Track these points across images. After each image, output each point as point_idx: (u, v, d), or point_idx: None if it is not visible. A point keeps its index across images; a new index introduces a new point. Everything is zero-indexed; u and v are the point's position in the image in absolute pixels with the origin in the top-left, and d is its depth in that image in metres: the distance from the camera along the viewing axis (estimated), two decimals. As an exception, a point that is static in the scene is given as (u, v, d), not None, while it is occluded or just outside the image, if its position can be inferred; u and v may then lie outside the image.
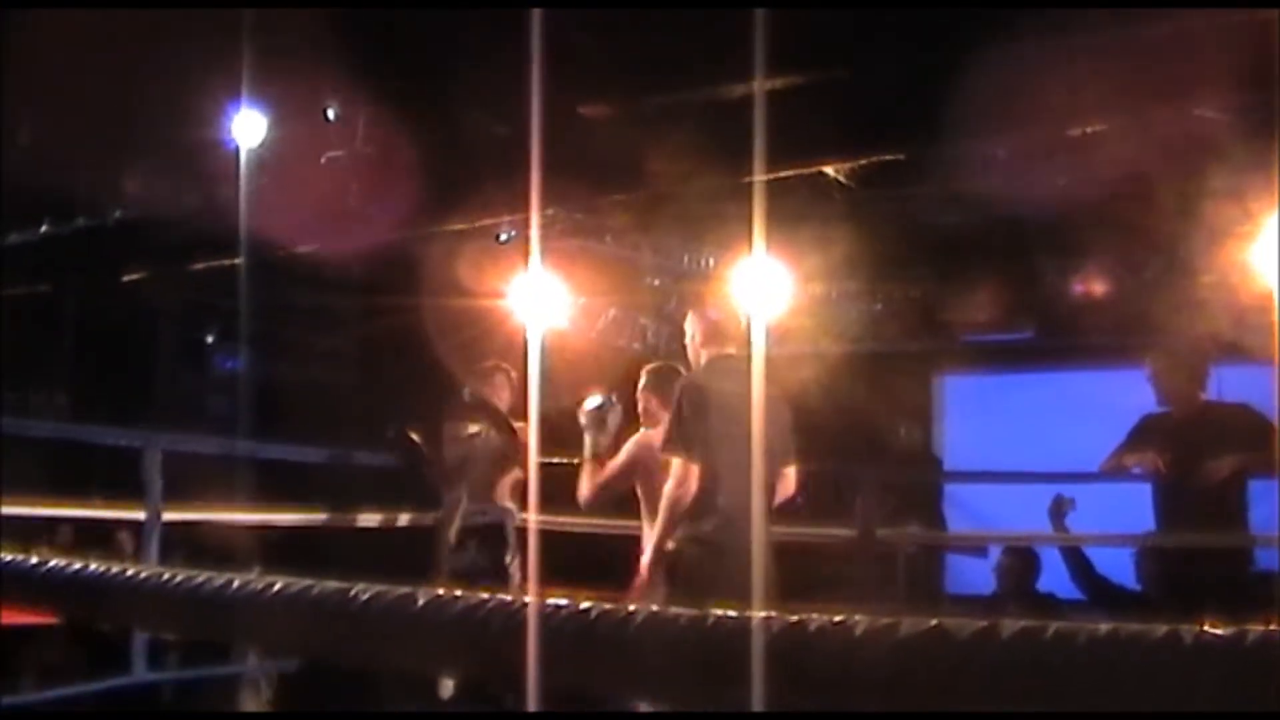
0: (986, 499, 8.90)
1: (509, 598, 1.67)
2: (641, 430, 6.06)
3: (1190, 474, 6.13)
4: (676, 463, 5.28)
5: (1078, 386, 9.33)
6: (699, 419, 5.24)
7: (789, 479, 5.61)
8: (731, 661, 1.64)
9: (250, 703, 7.17)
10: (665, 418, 5.57)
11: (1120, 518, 6.67)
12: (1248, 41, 4.81)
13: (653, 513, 5.52)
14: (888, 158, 6.68)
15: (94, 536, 8.09)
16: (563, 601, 1.68)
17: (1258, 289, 6.53)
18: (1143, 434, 6.55)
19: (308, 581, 1.88)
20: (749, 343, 5.76)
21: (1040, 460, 8.85)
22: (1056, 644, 1.58)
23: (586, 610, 1.68)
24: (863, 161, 6.88)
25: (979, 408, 10.11)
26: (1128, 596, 6.31)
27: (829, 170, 6.85)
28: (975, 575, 7.91)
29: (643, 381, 6.13)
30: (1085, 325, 8.72)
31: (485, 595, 1.69)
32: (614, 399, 6.31)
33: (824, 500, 7.61)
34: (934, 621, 1.62)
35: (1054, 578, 6.79)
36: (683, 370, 5.93)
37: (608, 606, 1.71)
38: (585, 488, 6.10)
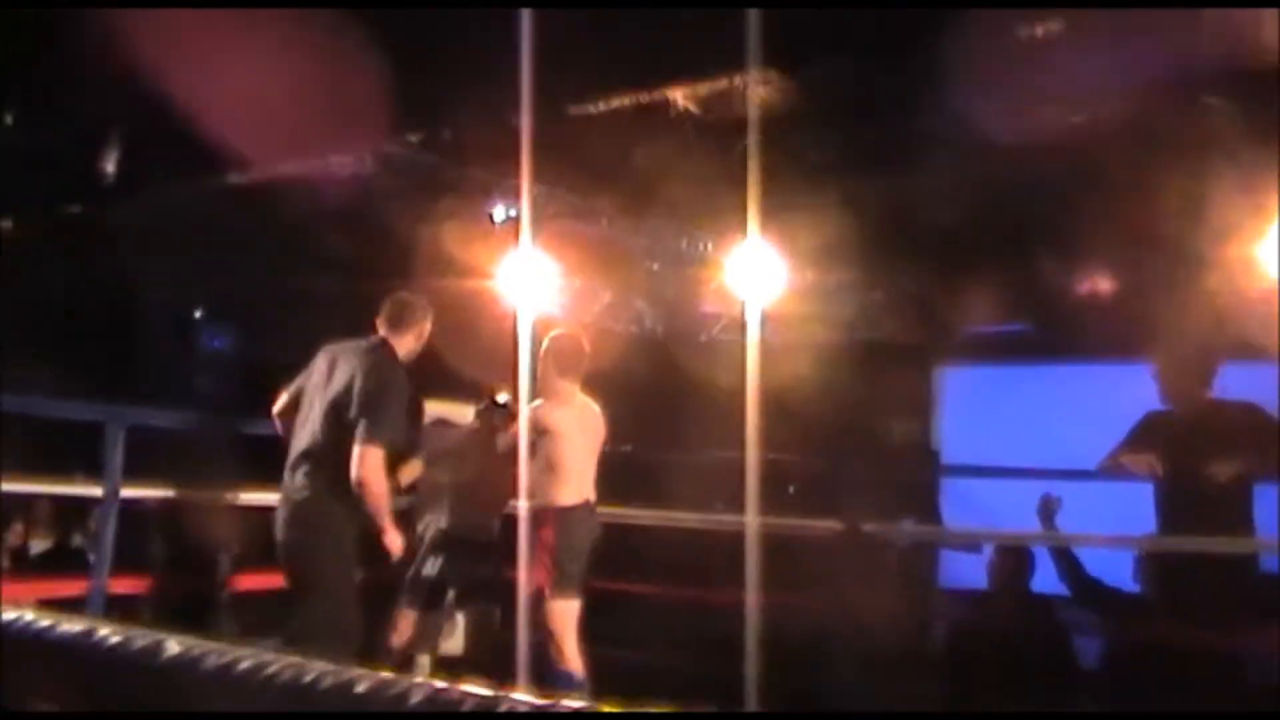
0: (984, 493, 8.76)
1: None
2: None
3: (1193, 475, 5.89)
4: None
5: (1078, 380, 9.17)
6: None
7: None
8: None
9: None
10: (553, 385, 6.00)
11: (1119, 515, 6.48)
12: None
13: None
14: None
15: (75, 512, 7.98)
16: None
17: (1263, 284, 6.37)
18: (1145, 432, 6.29)
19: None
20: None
21: (1040, 454, 8.75)
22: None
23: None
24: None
25: (977, 400, 9.95)
26: (1120, 598, 6.15)
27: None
28: (971, 571, 7.75)
29: (544, 346, 6.13)
30: (1085, 318, 8.52)
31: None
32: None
33: (815, 494, 7.51)
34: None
35: (1049, 576, 6.61)
36: (584, 343, 6.29)
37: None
38: None
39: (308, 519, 5.13)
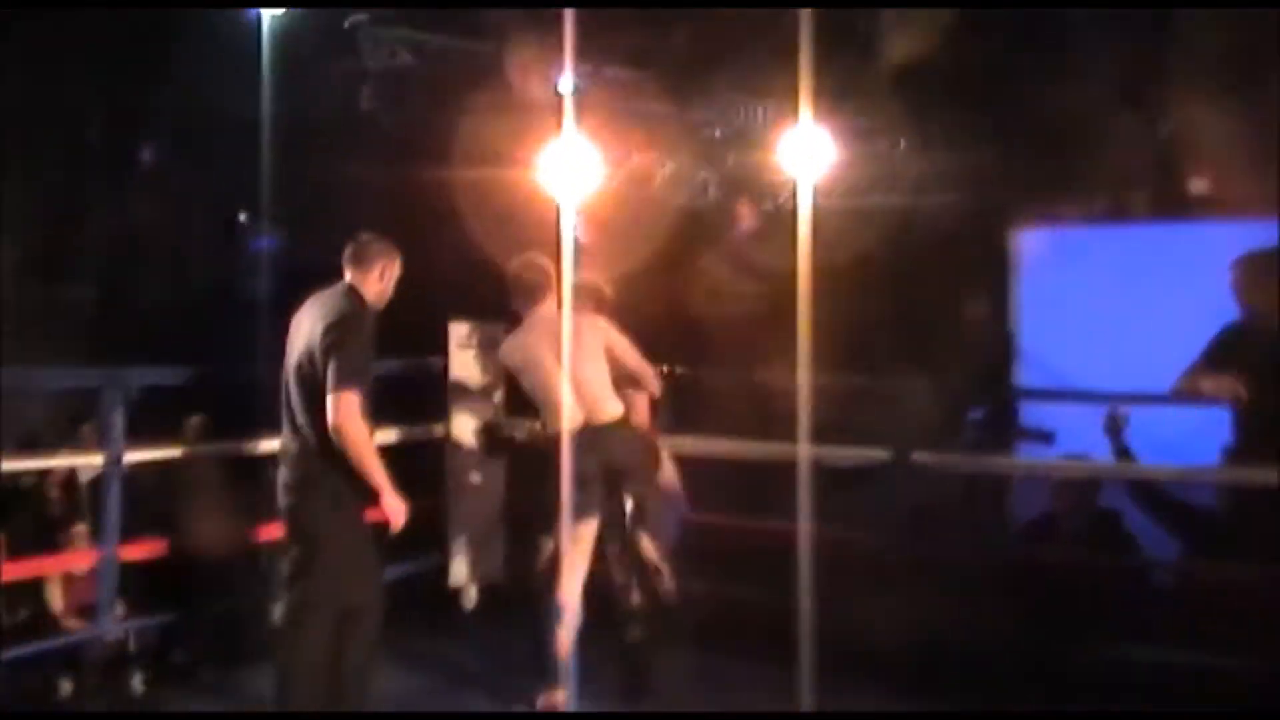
0: (1066, 357, 8.44)
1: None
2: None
3: (1274, 395, 5.40)
4: None
5: (1160, 240, 8.75)
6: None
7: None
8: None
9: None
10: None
11: (1199, 426, 6.04)
12: None
13: None
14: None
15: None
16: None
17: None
18: (1221, 350, 5.80)
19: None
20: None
21: (1123, 318, 8.39)
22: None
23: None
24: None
25: (1057, 263, 9.53)
26: (1199, 516, 5.79)
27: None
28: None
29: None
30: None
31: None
32: None
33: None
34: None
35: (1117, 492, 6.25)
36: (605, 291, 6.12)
37: None
38: None
39: (301, 483, 4.96)
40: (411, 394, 7.17)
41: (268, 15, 6.73)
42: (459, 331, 7.27)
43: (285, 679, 4.92)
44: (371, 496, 4.98)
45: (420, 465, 6.85)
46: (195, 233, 10.69)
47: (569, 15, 6.52)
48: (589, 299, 5.90)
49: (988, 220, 9.30)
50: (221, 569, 7.32)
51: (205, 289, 10.36)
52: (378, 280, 5.16)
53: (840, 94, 7.34)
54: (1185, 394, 5.77)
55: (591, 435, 5.50)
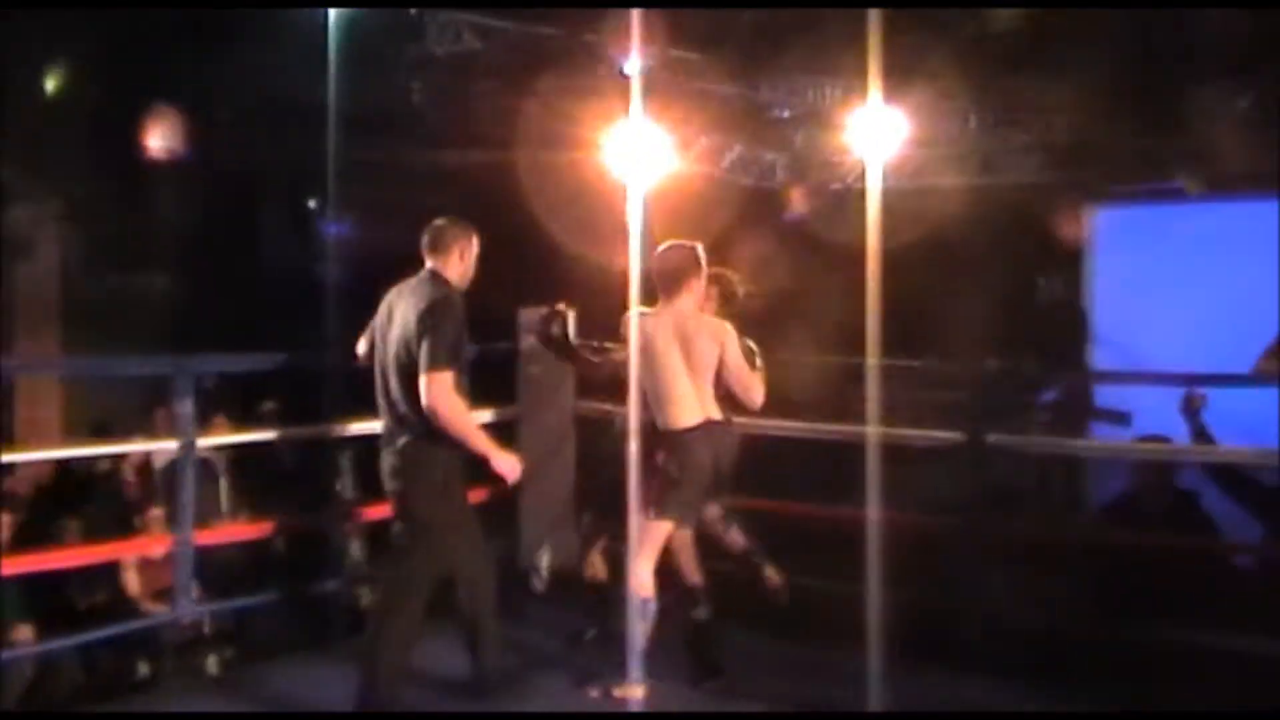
0: (1140, 335, 8.32)
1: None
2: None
3: None
4: None
5: (1236, 219, 8.59)
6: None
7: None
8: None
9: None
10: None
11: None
12: None
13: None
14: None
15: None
16: None
17: None
18: None
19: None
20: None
21: (1193, 296, 8.26)
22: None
23: None
24: None
25: (1132, 241, 9.39)
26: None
27: None
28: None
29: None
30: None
31: None
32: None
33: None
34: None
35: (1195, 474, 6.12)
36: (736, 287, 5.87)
37: None
38: None
39: (407, 467, 5.08)
40: (482, 379, 7.19)
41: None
42: (529, 317, 7.26)
43: (380, 654, 5.02)
44: (472, 475, 5.14)
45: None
46: (265, 220, 10.79)
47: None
48: (719, 293, 5.82)
49: (1061, 198, 9.18)
50: (296, 553, 7.42)
51: (275, 275, 10.45)
52: (459, 262, 5.23)
53: (910, 71, 7.27)
54: (1265, 375, 5.66)
55: (707, 433, 5.45)
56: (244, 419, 7.71)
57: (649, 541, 5.31)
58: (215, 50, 8.96)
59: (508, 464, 5.15)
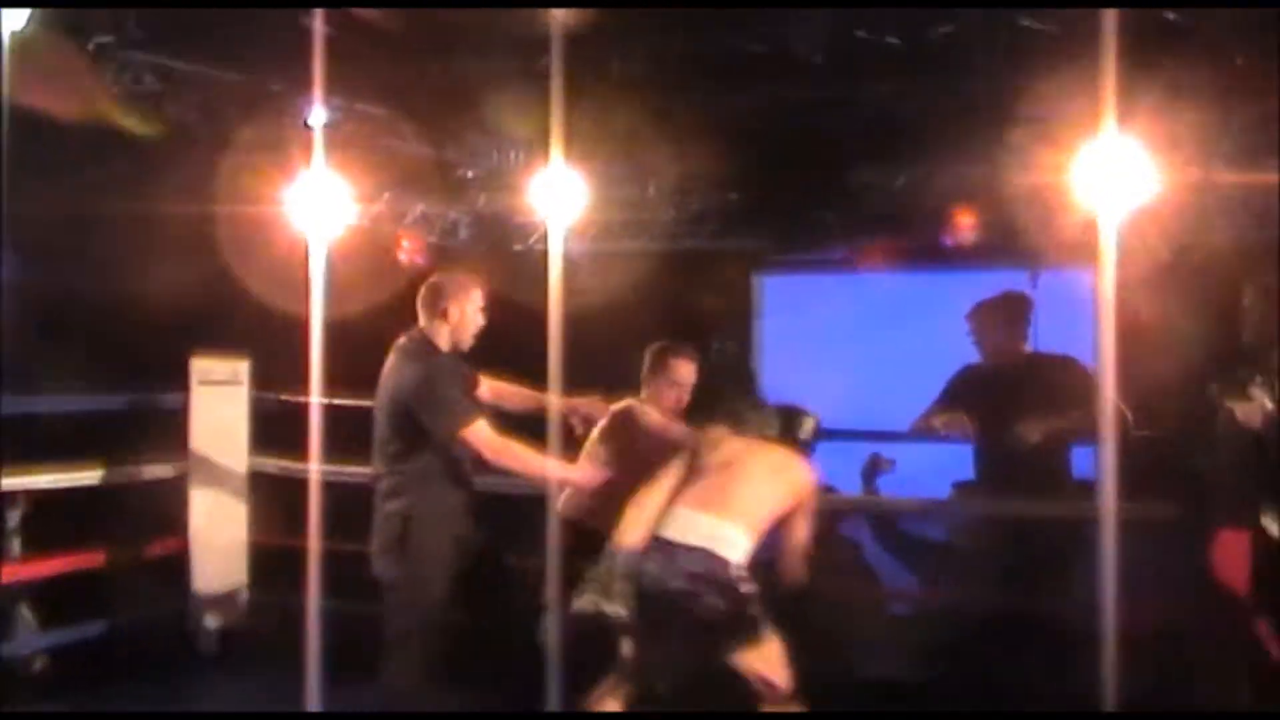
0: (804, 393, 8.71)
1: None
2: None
3: (1008, 431, 5.72)
4: None
5: (896, 288, 9.15)
6: None
7: None
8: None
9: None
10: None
11: (943, 462, 6.34)
12: None
13: None
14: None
15: None
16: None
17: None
18: (959, 387, 6.16)
19: None
20: None
21: (856, 360, 8.72)
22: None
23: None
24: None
25: (798, 306, 9.87)
26: (932, 548, 6.08)
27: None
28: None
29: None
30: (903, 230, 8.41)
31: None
32: None
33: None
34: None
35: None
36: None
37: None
38: None
39: (406, 512, 5.06)
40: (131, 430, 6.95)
41: (7, 28, 6.41)
42: (201, 367, 7.10)
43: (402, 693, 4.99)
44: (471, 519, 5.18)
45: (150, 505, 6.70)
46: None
47: (319, 48, 6.43)
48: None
49: (734, 265, 9.57)
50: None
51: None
52: (449, 321, 5.23)
53: (593, 139, 7.45)
54: (922, 431, 6.07)
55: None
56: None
57: None
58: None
59: (583, 477, 5.22)
